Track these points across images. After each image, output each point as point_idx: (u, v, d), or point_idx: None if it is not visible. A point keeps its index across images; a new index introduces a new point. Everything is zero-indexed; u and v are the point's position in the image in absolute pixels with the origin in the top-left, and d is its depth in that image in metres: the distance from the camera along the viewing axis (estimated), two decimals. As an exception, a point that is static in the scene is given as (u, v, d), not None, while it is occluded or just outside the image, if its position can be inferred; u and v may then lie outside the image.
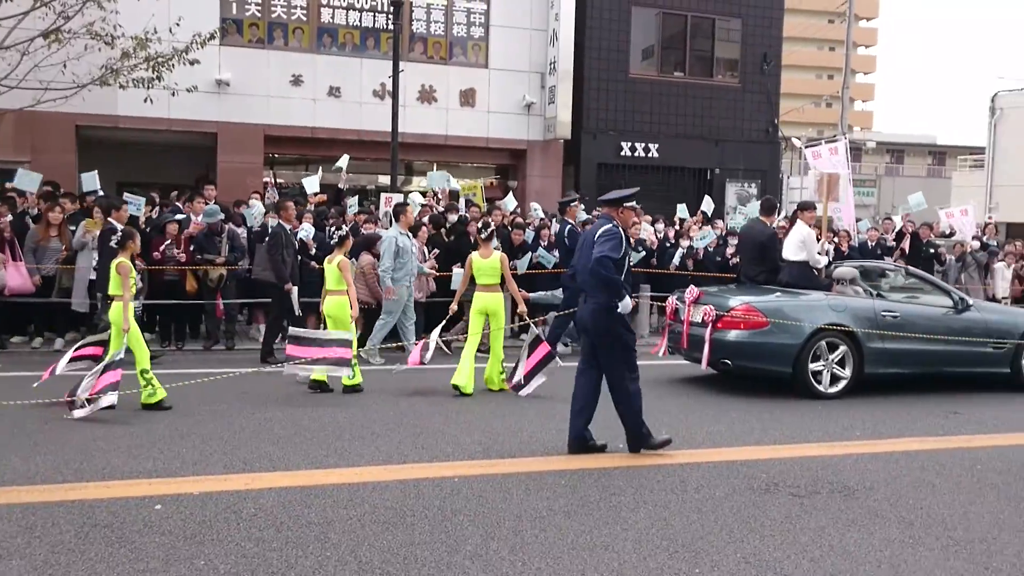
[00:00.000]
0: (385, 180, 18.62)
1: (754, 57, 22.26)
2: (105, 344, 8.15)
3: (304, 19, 18.70)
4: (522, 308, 9.55)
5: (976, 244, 15.71)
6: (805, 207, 11.27)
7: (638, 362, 6.94)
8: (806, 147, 16.86)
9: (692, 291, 10.11)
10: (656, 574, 4.49)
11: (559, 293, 12.73)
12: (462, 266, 12.44)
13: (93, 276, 11.26)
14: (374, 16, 19.07)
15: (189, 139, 18.61)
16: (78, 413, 7.53)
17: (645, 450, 6.85)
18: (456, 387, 9.09)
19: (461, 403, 8.72)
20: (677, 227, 15.57)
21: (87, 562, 4.43)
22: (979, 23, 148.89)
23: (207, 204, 12.37)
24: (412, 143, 18.60)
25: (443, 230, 13.38)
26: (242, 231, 12.67)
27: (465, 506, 5.43)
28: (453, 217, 13.94)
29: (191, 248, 11.84)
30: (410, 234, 11.59)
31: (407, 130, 17.41)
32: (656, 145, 21.36)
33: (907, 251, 15.13)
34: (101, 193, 12.68)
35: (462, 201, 15.38)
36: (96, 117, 16.77)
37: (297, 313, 10.94)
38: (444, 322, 10.18)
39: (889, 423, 8.35)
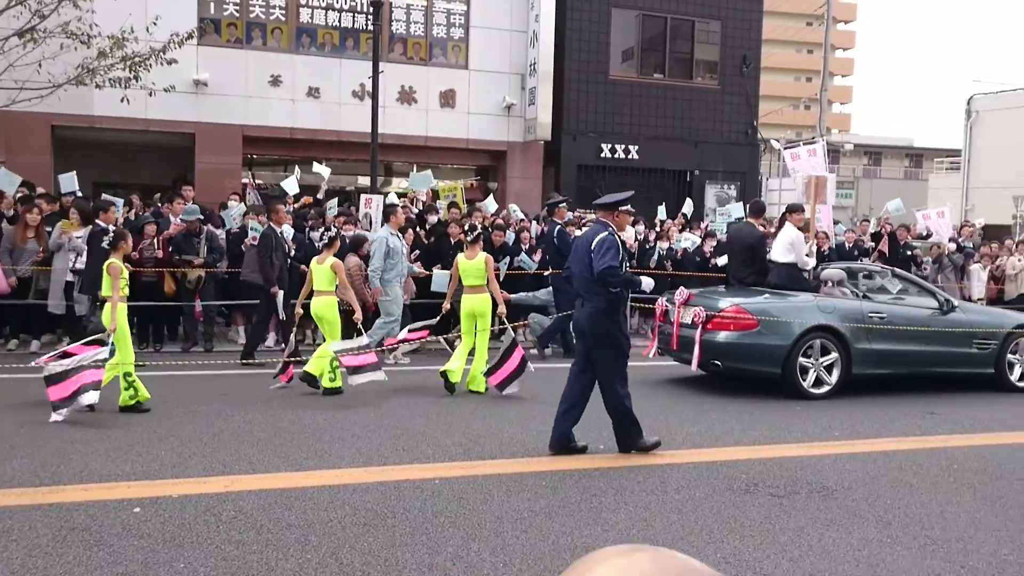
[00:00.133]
0: (365, 181, 18.60)
1: (733, 59, 22.36)
2: (98, 344, 8.05)
3: (283, 19, 18.61)
4: (502, 309, 9.57)
5: (952, 246, 15.86)
6: (793, 209, 11.34)
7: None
8: (785, 148, 16.92)
9: (682, 292, 10.17)
10: (637, 575, 4.49)
11: (540, 294, 12.75)
12: (443, 267, 12.49)
13: (70, 277, 11.18)
14: (353, 16, 19.01)
15: (166, 139, 18.47)
16: (56, 416, 7.43)
17: (635, 451, 6.88)
18: (444, 373, 9.18)
19: (441, 405, 8.70)
20: (658, 229, 15.61)
21: (65, 565, 4.39)
22: (955, 27, 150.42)
23: (186, 205, 12.31)
24: (392, 144, 18.54)
25: (422, 231, 13.36)
26: (221, 232, 12.59)
27: (446, 508, 5.43)
28: (433, 218, 13.93)
29: (169, 249, 11.76)
30: (400, 235, 11.60)
31: (387, 131, 17.36)
32: (636, 147, 21.42)
33: (886, 253, 15.24)
34: (79, 194, 12.58)
35: (444, 202, 15.34)
36: (72, 117, 16.61)
37: (281, 317, 10.87)
38: (437, 320, 10.22)
39: (867, 423, 8.41)
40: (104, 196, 12.31)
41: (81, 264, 11.05)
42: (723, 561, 4.70)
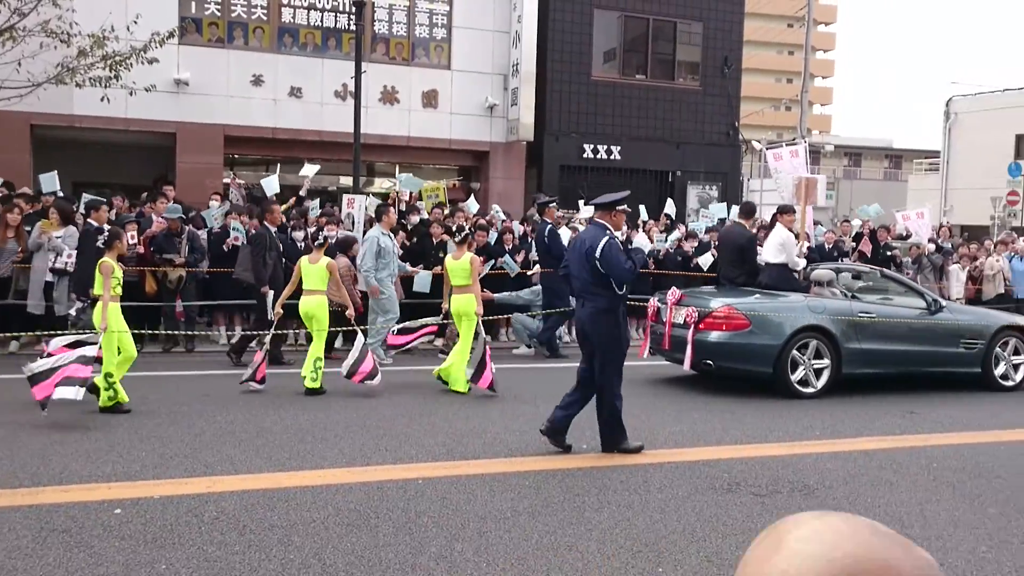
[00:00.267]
0: (347, 181, 18.52)
1: (715, 60, 22.44)
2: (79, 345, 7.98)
3: (264, 19, 18.53)
4: (478, 310, 9.64)
5: (932, 247, 15.99)
6: (784, 211, 11.42)
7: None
8: (767, 149, 17.02)
9: (674, 293, 10.23)
10: (620, 573, 4.51)
11: (523, 294, 12.77)
12: (424, 267, 12.51)
13: (49, 277, 11.10)
14: (336, 16, 18.95)
15: (147, 139, 18.35)
16: (46, 414, 7.34)
17: (617, 452, 6.90)
18: (440, 375, 9.36)
19: (424, 405, 8.70)
20: (641, 229, 15.65)
21: (45, 567, 4.36)
22: (934, 29, 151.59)
23: (169, 204, 12.27)
24: (374, 144, 18.48)
25: (402, 233, 13.34)
26: (203, 232, 12.54)
27: (429, 508, 5.43)
28: (415, 219, 13.92)
29: (151, 248, 11.70)
30: (391, 234, 11.60)
31: (369, 131, 17.30)
32: (618, 147, 21.46)
33: (868, 253, 15.33)
34: (60, 194, 12.49)
35: (427, 203, 15.32)
36: (52, 116, 16.48)
37: (270, 317, 10.83)
38: (441, 318, 10.36)
39: (848, 423, 8.47)
40: (85, 195, 12.20)
41: (61, 264, 10.98)
42: (705, 560, 4.72)
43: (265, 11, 18.49)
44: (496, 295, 12.53)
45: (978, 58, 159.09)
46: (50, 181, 12.56)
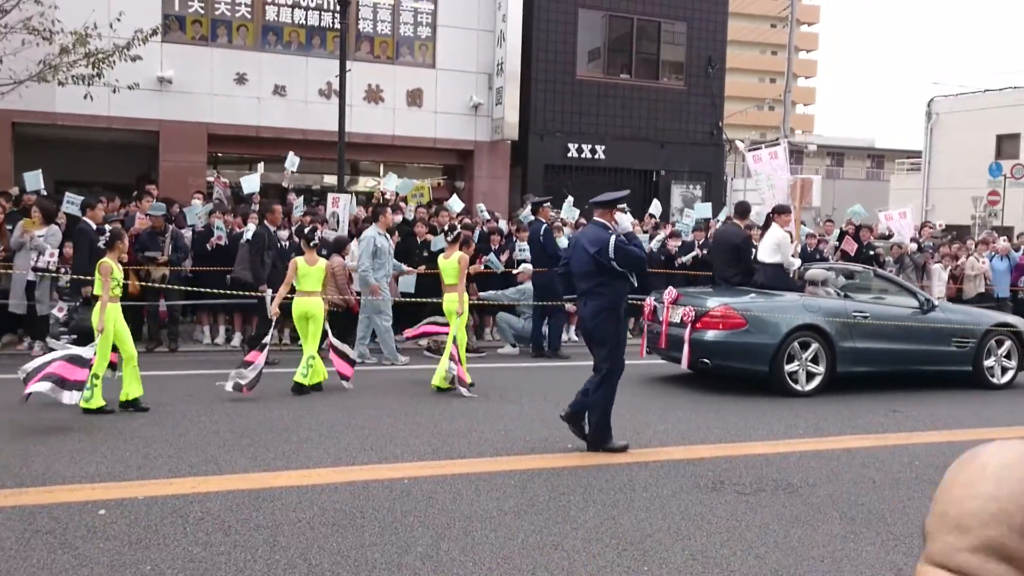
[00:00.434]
0: (331, 180, 18.47)
1: (699, 60, 22.51)
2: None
3: (248, 17, 18.45)
4: (462, 309, 9.70)
5: (914, 246, 16.10)
6: (780, 211, 11.49)
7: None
8: (747, 151, 17.09)
9: (671, 292, 10.29)
10: (605, 572, 4.53)
11: (509, 292, 12.79)
12: (409, 267, 12.51)
13: (31, 276, 11.02)
14: (320, 15, 18.89)
15: (130, 137, 18.25)
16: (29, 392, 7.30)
17: (603, 451, 6.93)
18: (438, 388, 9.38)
19: (409, 405, 8.69)
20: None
21: (29, 569, 4.34)
22: (916, 30, 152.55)
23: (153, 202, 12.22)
24: (359, 143, 18.45)
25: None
26: (187, 232, 12.48)
27: (415, 507, 5.43)
28: (398, 218, 13.89)
29: (134, 247, 11.64)
30: (387, 235, 11.61)
31: (354, 130, 17.27)
32: (603, 147, 21.50)
33: (851, 253, 15.42)
34: (44, 193, 12.40)
35: (413, 203, 15.31)
36: (33, 114, 16.35)
37: (269, 316, 10.79)
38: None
39: (831, 421, 8.52)
40: (68, 194, 12.09)
41: (43, 263, 10.92)
42: (690, 558, 4.75)
43: (249, 9, 18.41)
44: (481, 293, 12.57)
45: (960, 59, 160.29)
46: (34, 180, 12.46)
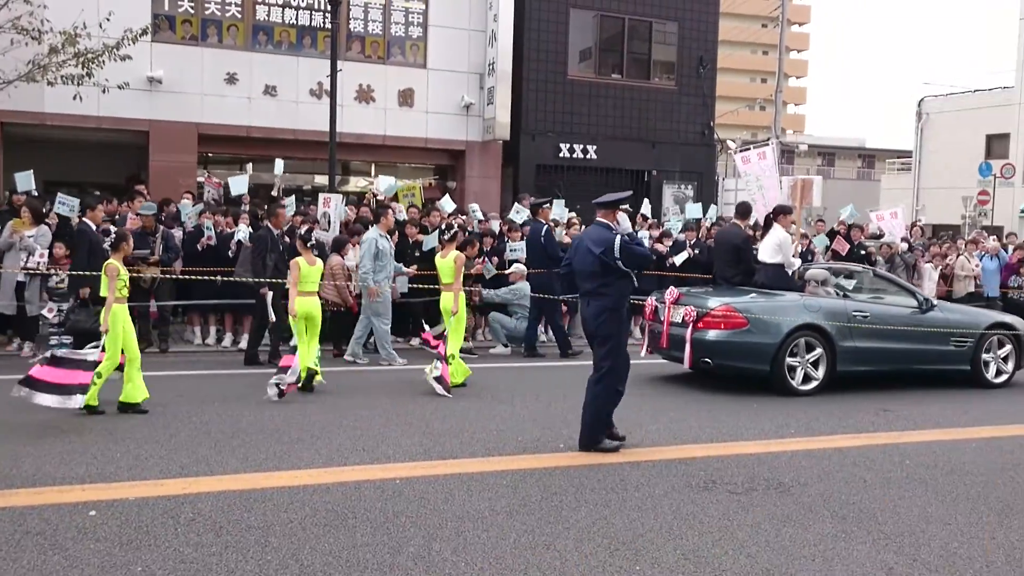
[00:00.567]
0: (322, 180, 18.46)
1: (690, 60, 22.55)
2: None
3: (239, 16, 18.41)
4: (457, 308, 9.75)
5: (904, 246, 16.16)
6: (782, 211, 11.52)
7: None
8: (736, 152, 17.15)
9: (672, 292, 10.32)
10: (597, 572, 4.53)
11: (502, 292, 12.78)
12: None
13: (21, 277, 10.98)
14: (311, 14, 18.86)
15: (120, 138, 18.20)
16: (18, 391, 7.26)
17: (595, 451, 6.93)
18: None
19: (400, 405, 8.68)
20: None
21: (19, 570, 4.32)
22: (906, 30, 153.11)
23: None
24: (350, 143, 18.43)
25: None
26: (178, 232, 12.44)
27: (407, 508, 5.42)
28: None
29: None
30: (389, 236, 11.60)
31: (345, 130, 17.25)
32: (594, 147, 21.52)
33: (842, 253, 15.45)
34: (35, 193, 12.35)
35: (404, 203, 15.28)
36: (22, 114, 16.29)
37: (271, 319, 10.75)
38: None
39: (822, 420, 8.54)
40: (59, 194, 12.03)
41: (33, 264, 10.87)
42: (682, 558, 4.75)
43: (239, 9, 18.37)
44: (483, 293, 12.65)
45: (950, 59, 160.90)
46: (25, 180, 12.40)
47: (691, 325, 9.75)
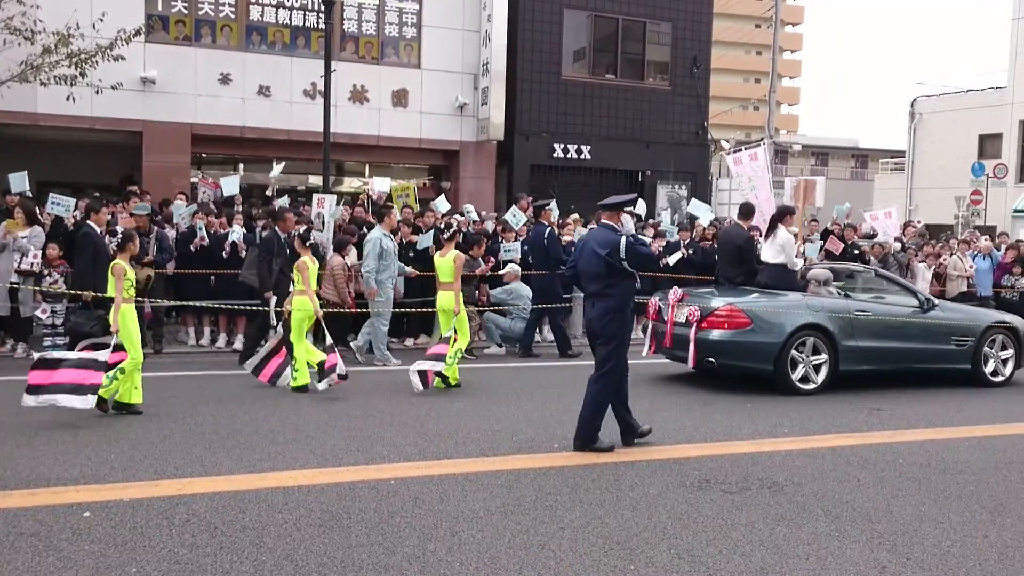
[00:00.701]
0: (316, 181, 18.44)
1: (684, 60, 22.59)
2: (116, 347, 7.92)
3: (232, 16, 18.40)
4: (458, 308, 9.74)
5: (898, 246, 16.20)
6: (786, 212, 11.56)
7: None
8: (728, 153, 17.20)
9: (676, 292, 10.34)
10: (592, 571, 4.54)
11: (496, 292, 12.78)
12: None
13: (14, 278, 10.95)
14: (304, 15, 18.87)
15: (113, 138, 18.17)
16: (28, 401, 7.29)
17: (589, 450, 6.94)
18: (442, 375, 9.38)
19: (395, 406, 8.68)
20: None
21: (14, 572, 4.31)
22: (899, 31, 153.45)
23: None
24: (344, 143, 18.44)
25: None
26: (172, 232, 12.42)
27: (402, 508, 5.43)
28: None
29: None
30: (392, 235, 11.60)
31: (339, 130, 17.26)
32: (588, 147, 21.55)
33: (837, 252, 15.47)
34: (30, 194, 12.31)
35: (398, 203, 15.26)
36: (15, 115, 16.26)
37: (272, 323, 10.71)
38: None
39: (816, 420, 8.56)
40: (52, 195, 12.00)
41: (26, 265, 10.84)
42: (676, 557, 4.76)
43: (233, 9, 18.37)
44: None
45: (943, 59, 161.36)
46: (19, 181, 12.35)
47: (695, 325, 9.78)
